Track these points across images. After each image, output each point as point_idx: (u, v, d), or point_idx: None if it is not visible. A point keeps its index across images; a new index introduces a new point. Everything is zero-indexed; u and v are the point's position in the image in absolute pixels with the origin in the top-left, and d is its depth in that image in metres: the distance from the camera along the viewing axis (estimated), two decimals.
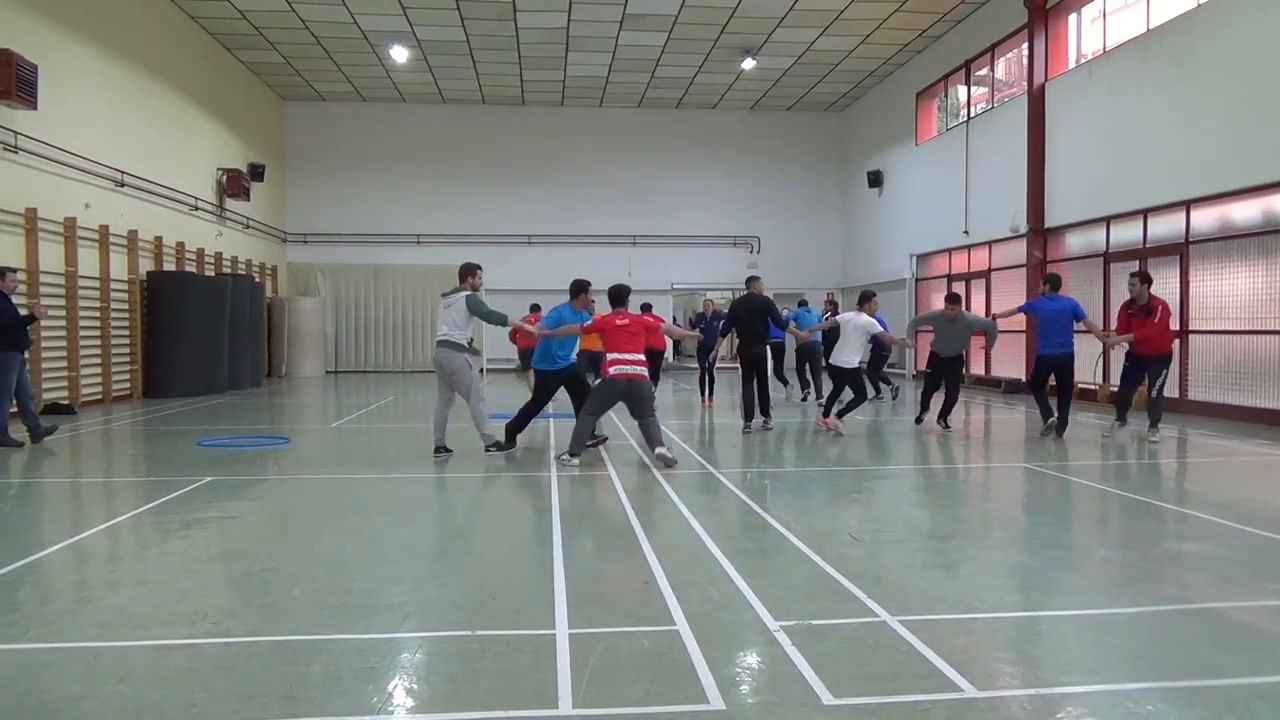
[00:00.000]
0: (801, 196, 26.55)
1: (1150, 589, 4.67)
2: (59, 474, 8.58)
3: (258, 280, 21.24)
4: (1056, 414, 10.43)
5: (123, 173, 15.45)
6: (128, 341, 15.76)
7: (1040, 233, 16.67)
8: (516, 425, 9.28)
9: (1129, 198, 14.32)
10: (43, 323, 11.70)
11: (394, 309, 25.25)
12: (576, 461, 8.37)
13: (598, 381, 9.09)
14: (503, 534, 6.08)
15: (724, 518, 6.34)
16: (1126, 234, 14.77)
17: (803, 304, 17.57)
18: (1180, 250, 13.43)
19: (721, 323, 12.06)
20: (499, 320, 8.93)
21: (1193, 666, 3.55)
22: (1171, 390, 13.58)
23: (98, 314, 14.71)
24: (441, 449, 9.00)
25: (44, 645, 3.81)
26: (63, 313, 13.59)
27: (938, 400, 11.40)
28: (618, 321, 8.52)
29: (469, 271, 9.09)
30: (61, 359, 13.61)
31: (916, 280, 22.08)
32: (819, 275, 26.14)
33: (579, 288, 9.10)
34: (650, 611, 4.19)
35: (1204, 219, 13.15)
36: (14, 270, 10.10)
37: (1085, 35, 16.46)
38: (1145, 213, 14.19)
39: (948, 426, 11.06)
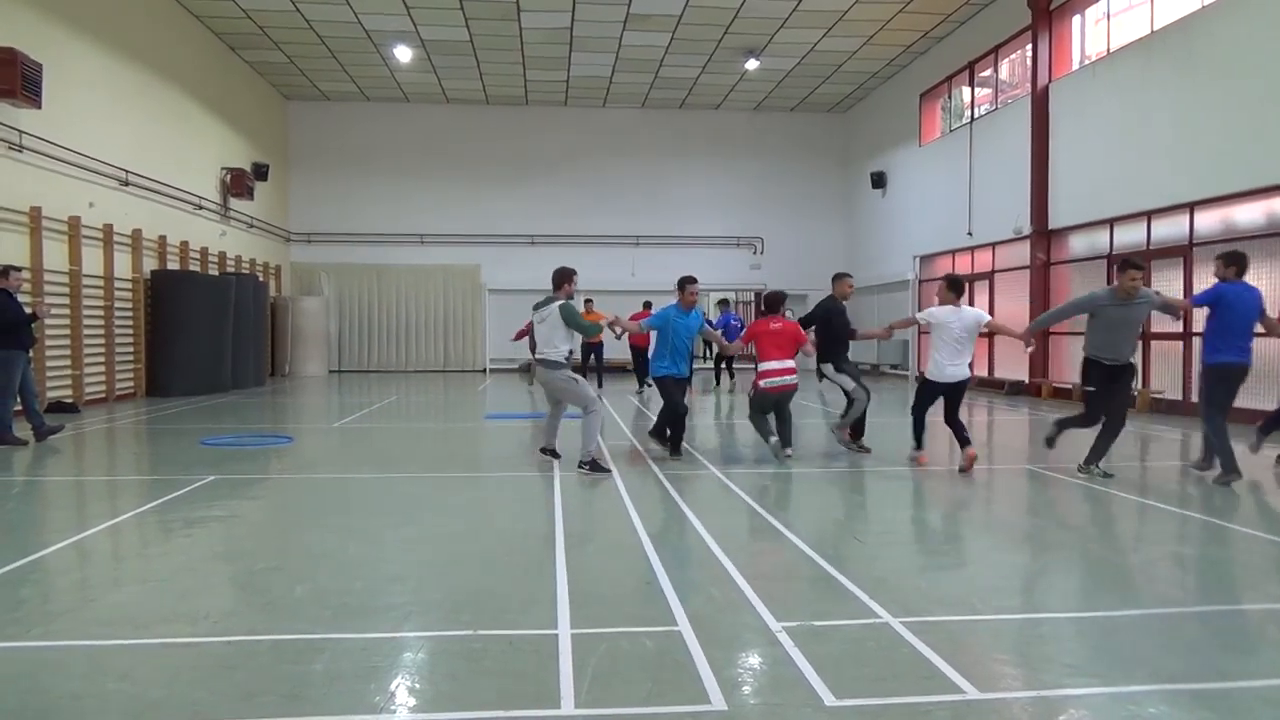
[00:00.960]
0: (805, 197, 26.53)
1: (1153, 591, 4.66)
2: (62, 472, 8.59)
3: (261, 280, 21.25)
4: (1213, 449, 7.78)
5: (127, 172, 15.47)
6: (132, 340, 15.79)
7: (1044, 234, 16.65)
8: (675, 436, 8.94)
9: (1133, 199, 14.29)
10: (46, 321, 11.72)
11: (397, 309, 25.27)
12: (790, 452, 8.72)
13: (752, 394, 8.81)
14: (505, 534, 6.08)
15: (727, 518, 6.34)
16: (1130, 236, 14.75)
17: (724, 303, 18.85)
18: (1184, 252, 13.41)
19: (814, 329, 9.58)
20: (593, 331, 8.66)
21: (1196, 669, 3.54)
22: (1175, 392, 13.58)
23: (102, 313, 14.73)
24: (548, 451, 8.63)
25: (46, 644, 3.82)
26: (67, 311, 13.61)
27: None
28: (772, 325, 8.67)
29: (564, 278, 8.24)
30: (66, 357, 13.63)
31: (920, 282, 22.05)
32: (822, 276, 25.91)
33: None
34: (653, 612, 4.19)
35: (1208, 221, 13.13)
36: (18, 269, 10.12)
37: (1089, 36, 16.43)
38: (1149, 215, 14.17)
39: (1107, 475, 7.78)
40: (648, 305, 17.54)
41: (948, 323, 8.07)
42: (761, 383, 8.56)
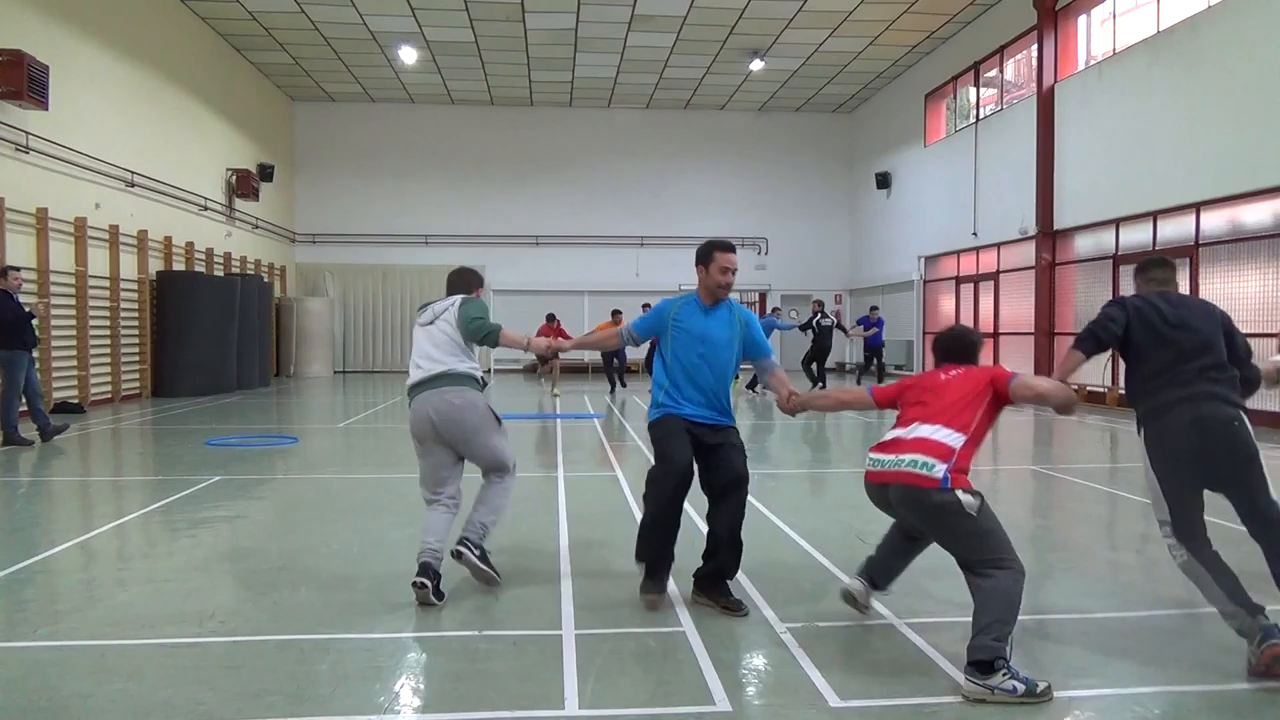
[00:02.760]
0: (810, 198, 26.51)
1: (1158, 592, 4.64)
2: (68, 473, 8.62)
3: (266, 280, 21.30)
4: None
5: (133, 173, 15.51)
6: (137, 341, 15.83)
7: (1049, 235, 16.61)
8: (651, 561, 4.71)
9: (1139, 200, 14.26)
10: (53, 322, 11.75)
11: (402, 309, 25.29)
12: None
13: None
14: (509, 534, 6.08)
15: None
16: (1136, 236, 14.71)
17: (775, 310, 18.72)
18: (1190, 253, 13.37)
19: None
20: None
21: (1201, 671, 3.53)
22: None
23: (107, 313, 14.77)
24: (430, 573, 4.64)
25: (53, 643, 3.83)
26: (73, 312, 13.65)
27: None
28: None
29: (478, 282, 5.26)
30: (71, 358, 13.67)
31: (925, 282, 22.03)
32: (827, 277, 26.11)
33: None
34: (657, 612, 4.18)
35: (1214, 221, 13.09)
36: (17, 269, 10.14)
37: (1095, 37, 16.40)
38: (1155, 215, 14.13)
39: None
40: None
41: None
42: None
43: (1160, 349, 3.84)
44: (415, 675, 3.50)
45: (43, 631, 3.98)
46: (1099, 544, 5.92)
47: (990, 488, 7.94)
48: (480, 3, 17.60)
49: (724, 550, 4.33)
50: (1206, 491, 3.79)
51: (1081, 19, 16.50)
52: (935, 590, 4.59)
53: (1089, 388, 14.85)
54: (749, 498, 4.48)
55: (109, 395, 14.76)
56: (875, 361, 19.02)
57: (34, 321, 9.93)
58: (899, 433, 3.78)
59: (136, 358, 15.82)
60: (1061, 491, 7.47)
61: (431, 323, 4.78)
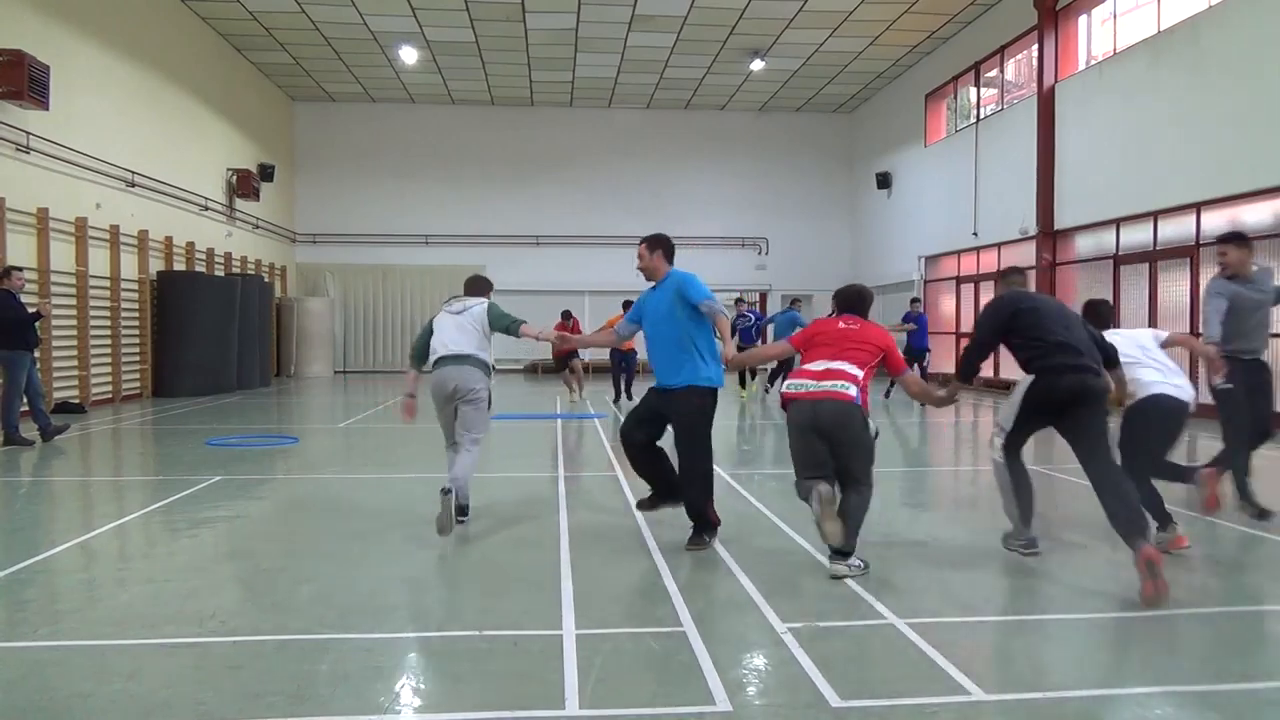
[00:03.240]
0: (810, 198, 26.51)
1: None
2: (69, 473, 8.62)
3: (267, 280, 21.31)
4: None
5: (133, 173, 15.52)
6: (138, 341, 15.83)
7: (1049, 235, 16.61)
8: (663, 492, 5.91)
9: (1139, 200, 14.25)
10: (53, 322, 11.75)
11: (402, 309, 25.30)
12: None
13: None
14: (510, 534, 6.08)
15: (730, 519, 6.33)
16: (1136, 236, 14.71)
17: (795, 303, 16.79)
18: (1191, 253, 13.37)
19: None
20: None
21: (1202, 672, 3.53)
22: None
23: (108, 314, 14.77)
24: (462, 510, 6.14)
25: (53, 643, 3.83)
26: (73, 312, 13.65)
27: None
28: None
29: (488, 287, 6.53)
30: (72, 358, 13.67)
31: (926, 282, 22.02)
32: (827, 277, 25.99)
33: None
34: (657, 612, 4.19)
35: (1215, 221, 13.08)
36: (19, 269, 10.15)
37: (1095, 36, 16.40)
38: (1155, 215, 14.13)
39: (1263, 515, 6.05)
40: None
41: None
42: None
43: (1042, 330, 4.81)
44: (415, 675, 3.50)
45: (43, 631, 3.98)
46: (1099, 544, 5.91)
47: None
48: (480, 3, 17.60)
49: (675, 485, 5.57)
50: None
51: (1082, 19, 16.50)
52: (935, 590, 4.59)
53: None
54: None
55: (109, 395, 14.76)
56: (918, 369, 15.84)
57: (39, 322, 9.94)
58: (815, 366, 4.90)
59: (137, 358, 15.82)
60: (1061, 491, 7.47)
61: (461, 313, 6.03)
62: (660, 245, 5.72)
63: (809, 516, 5.94)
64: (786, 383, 4.98)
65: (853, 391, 4.74)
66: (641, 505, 5.80)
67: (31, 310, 9.98)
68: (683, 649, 3.69)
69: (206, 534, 5.87)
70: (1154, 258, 14.16)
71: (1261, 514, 5.93)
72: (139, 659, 3.64)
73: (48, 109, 12.51)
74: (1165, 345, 5.68)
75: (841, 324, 5.12)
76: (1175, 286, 13.71)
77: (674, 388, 5.32)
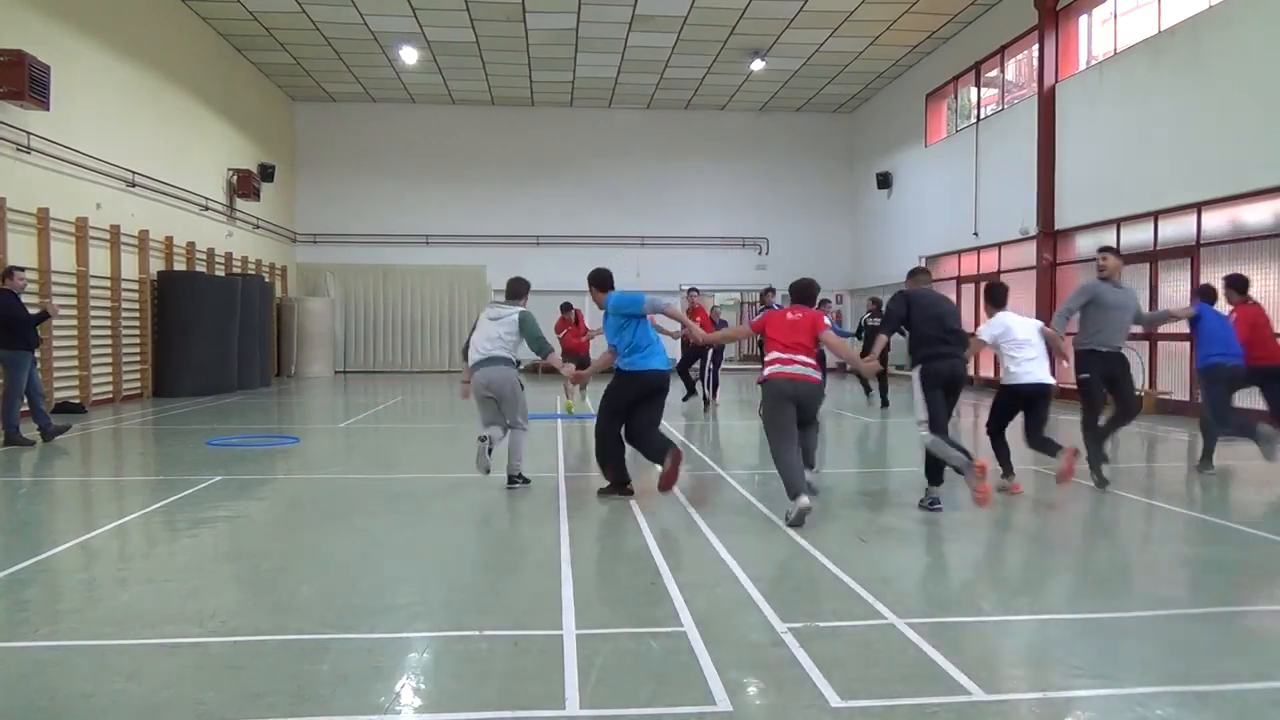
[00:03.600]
0: (810, 198, 26.51)
1: (1160, 593, 4.64)
2: (70, 473, 8.62)
3: (267, 280, 21.31)
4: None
5: (134, 173, 15.52)
6: (138, 341, 15.84)
7: (1050, 235, 16.61)
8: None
9: (1140, 200, 14.25)
10: (54, 321, 11.76)
11: (403, 309, 25.31)
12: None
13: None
14: (510, 534, 6.09)
15: (731, 519, 6.33)
16: (1137, 236, 14.70)
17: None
18: (1191, 253, 13.37)
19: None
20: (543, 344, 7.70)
21: (1203, 671, 3.53)
22: (1181, 393, 13.53)
23: (109, 314, 14.77)
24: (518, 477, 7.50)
25: (53, 643, 3.84)
26: (74, 312, 13.65)
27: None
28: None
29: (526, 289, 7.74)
30: (72, 358, 13.68)
31: None
32: (828, 277, 25.99)
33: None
34: (657, 613, 4.19)
35: (1215, 221, 13.08)
36: (22, 269, 10.15)
37: (1096, 36, 16.40)
38: (1156, 215, 14.13)
39: (1102, 484, 7.39)
40: (567, 307, 14.66)
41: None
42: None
43: (929, 323, 6.64)
44: (415, 675, 3.50)
45: (44, 631, 3.99)
46: (1099, 544, 5.91)
47: (991, 487, 7.92)
48: (481, 3, 17.60)
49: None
50: None
51: (1082, 19, 16.50)
52: (935, 590, 4.59)
53: None
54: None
55: (110, 395, 14.76)
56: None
57: (45, 321, 9.96)
58: (782, 354, 6.29)
59: (137, 358, 15.83)
60: (1062, 492, 7.46)
61: (497, 320, 7.31)
62: (591, 283, 7.40)
63: (811, 517, 5.96)
64: (768, 366, 6.36)
65: (818, 375, 6.39)
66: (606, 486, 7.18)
67: (37, 310, 9.99)
68: (683, 649, 3.69)
69: (207, 534, 5.87)
70: (1154, 258, 14.16)
71: (1101, 482, 7.38)
72: (139, 659, 3.64)
73: (48, 109, 12.52)
74: (1042, 334, 7.24)
75: (789, 315, 6.51)
76: (1176, 286, 13.71)
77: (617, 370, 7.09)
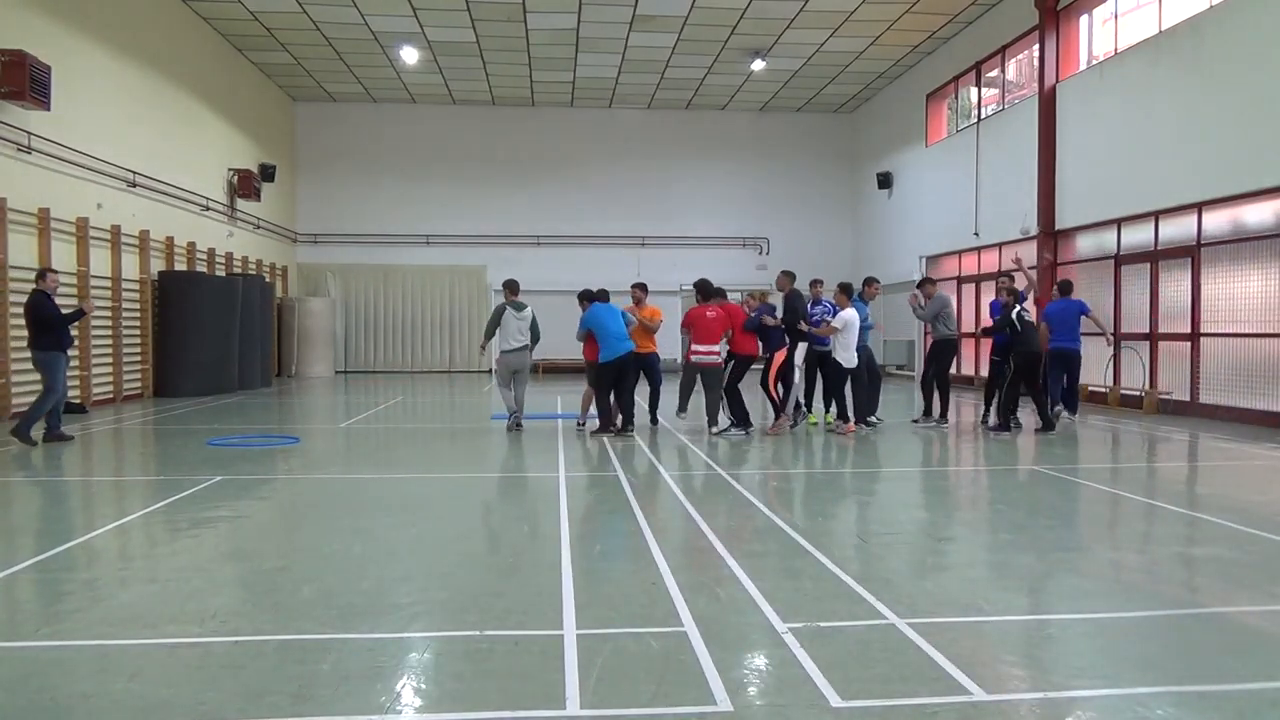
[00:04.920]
0: (811, 198, 26.51)
1: (1160, 593, 4.64)
2: (71, 473, 8.63)
3: (268, 280, 21.32)
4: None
5: (135, 173, 15.53)
6: (139, 341, 15.85)
7: (1051, 234, 16.61)
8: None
9: (1140, 199, 14.25)
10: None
11: (404, 309, 25.33)
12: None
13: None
14: (510, 534, 6.09)
15: (732, 519, 6.34)
16: (1138, 236, 14.70)
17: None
18: (1192, 253, 13.36)
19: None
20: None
21: (1203, 671, 3.53)
22: (1183, 393, 13.54)
23: (109, 314, 14.78)
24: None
25: (54, 643, 3.84)
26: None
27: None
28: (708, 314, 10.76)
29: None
30: (74, 358, 13.65)
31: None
32: (828, 276, 25.63)
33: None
34: (658, 613, 4.19)
35: (1216, 221, 13.08)
36: (55, 271, 10.24)
37: (1097, 36, 16.39)
38: (1156, 215, 14.12)
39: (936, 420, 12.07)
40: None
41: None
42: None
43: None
44: (416, 675, 3.51)
45: (44, 631, 3.99)
46: (1099, 544, 5.91)
47: (991, 487, 7.94)
48: (481, 3, 17.61)
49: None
50: None
51: (1083, 19, 16.49)
52: (935, 590, 4.59)
53: (1090, 388, 14.84)
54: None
55: (111, 395, 14.77)
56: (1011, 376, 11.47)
57: (80, 320, 10.08)
58: (699, 345, 10.42)
59: (138, 358, 15.84)
60: (1062, 491, 7.47)
61: (521, 317, 10.92)
62: (583, 300, 10.88)
63: (811, 518, 5.98)
64: (692, 348, 10.48)
65: (717, 359, 10.49)
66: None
67: (71, 310, 10.06)
68: (683, 649, 3.69)
69: (208, 534, 5.87)
70: (1155, 257, 14.16)
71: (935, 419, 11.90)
72: (140, 659, 3.65)
73: (49, 109, 12.53)
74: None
75: (709, 313, 10.51)
76: (1176, 286, 13.71)
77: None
